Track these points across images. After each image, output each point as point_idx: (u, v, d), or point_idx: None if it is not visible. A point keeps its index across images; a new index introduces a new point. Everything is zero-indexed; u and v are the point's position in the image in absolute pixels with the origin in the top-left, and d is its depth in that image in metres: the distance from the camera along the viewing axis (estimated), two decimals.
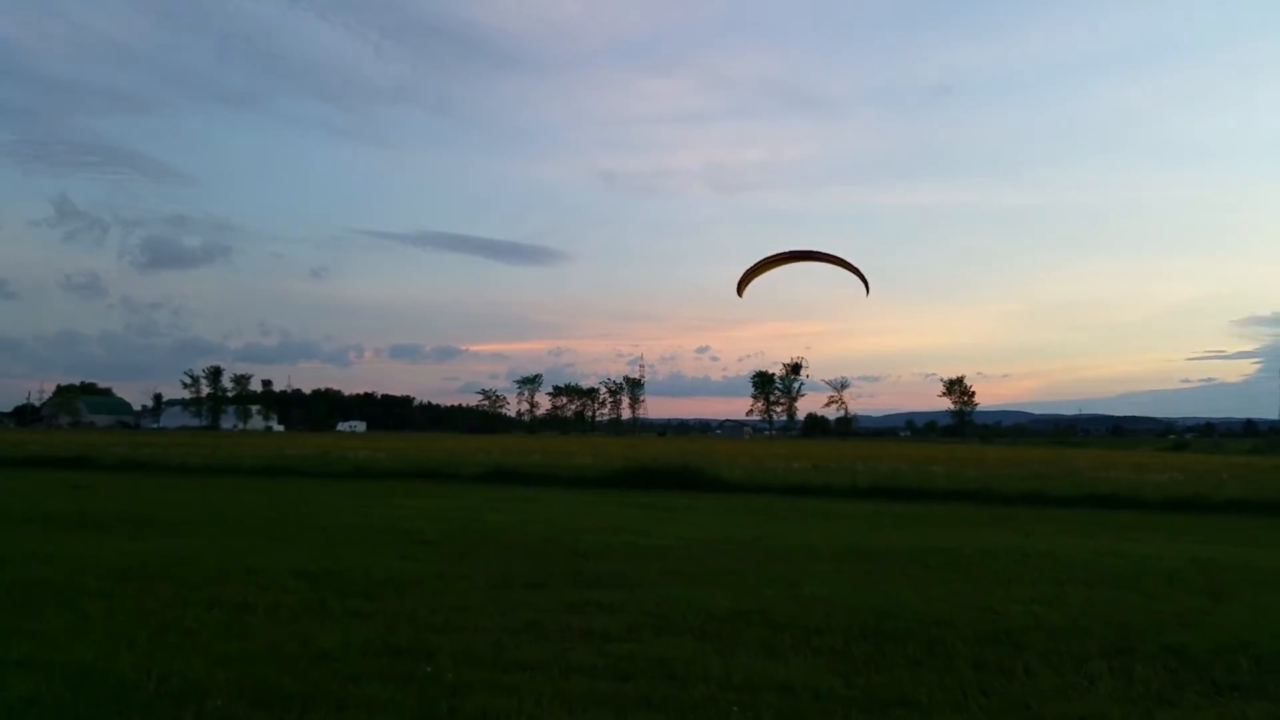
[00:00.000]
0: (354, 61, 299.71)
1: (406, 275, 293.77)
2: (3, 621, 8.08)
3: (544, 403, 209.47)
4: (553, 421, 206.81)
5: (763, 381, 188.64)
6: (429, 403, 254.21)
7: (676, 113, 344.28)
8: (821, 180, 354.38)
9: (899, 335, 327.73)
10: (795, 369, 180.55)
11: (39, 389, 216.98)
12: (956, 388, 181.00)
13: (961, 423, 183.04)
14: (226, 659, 7.01)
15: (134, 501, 20.51)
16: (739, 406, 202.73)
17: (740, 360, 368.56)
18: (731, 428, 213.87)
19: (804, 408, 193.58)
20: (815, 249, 19.39)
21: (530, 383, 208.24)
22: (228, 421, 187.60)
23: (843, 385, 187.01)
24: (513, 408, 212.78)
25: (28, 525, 15.59)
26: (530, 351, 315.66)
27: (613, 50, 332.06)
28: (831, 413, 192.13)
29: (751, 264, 19.81)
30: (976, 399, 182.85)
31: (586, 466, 32.19)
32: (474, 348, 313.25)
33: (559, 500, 22.41)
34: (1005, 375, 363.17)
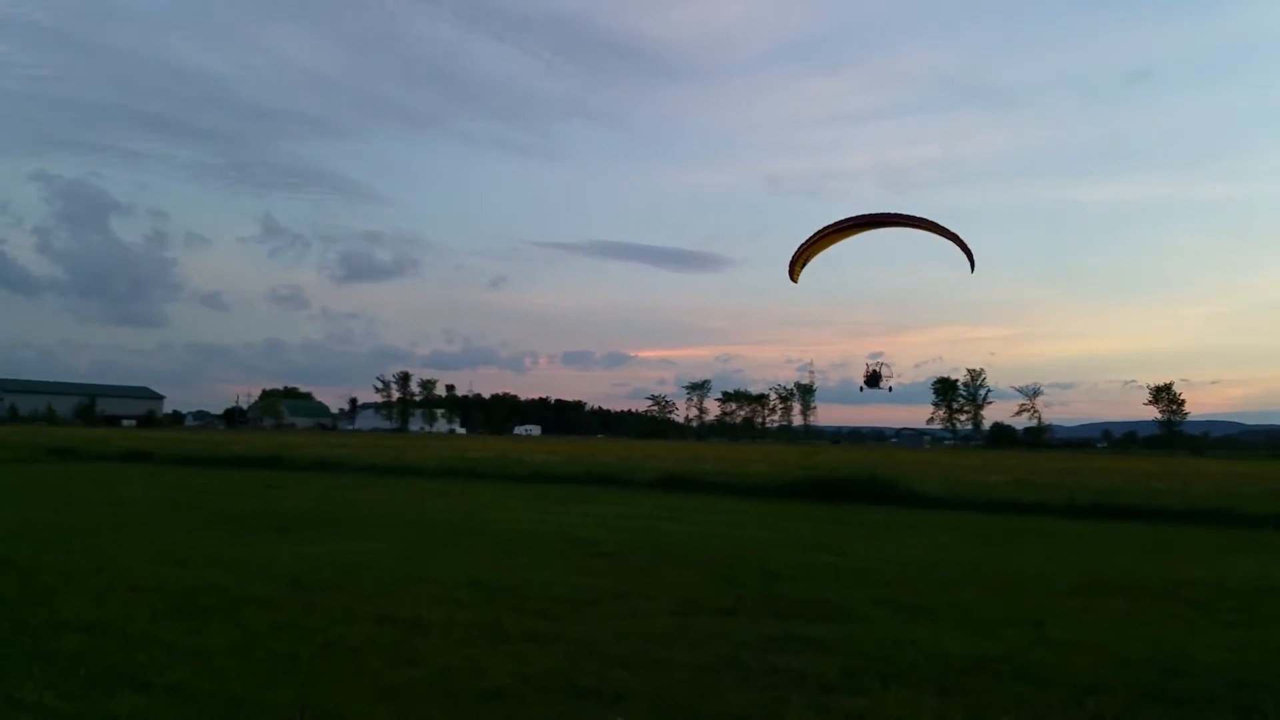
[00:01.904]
0: (527, 79, 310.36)
1: (578, 284, 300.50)
2: (168, 635, 7.61)
3: (713, 409, 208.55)
4: (721, 428, 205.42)
5: (944, 388, 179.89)
6: (599, 408, 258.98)
7: (844, 112, 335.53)
8: (1002, 175, 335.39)
9: (1092, 339, 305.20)
10: (978, 375, 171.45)
11: (246, 393, 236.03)
12: (1164, 395, 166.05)
13: (1170, 433, 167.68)
14: (391, 692, 6.15)
15: (320, 502, 20.81)
16: (915, 414, 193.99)
17: (916, 366, 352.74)
18: (910, 437, 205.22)
19: (989, 416, 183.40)
20: (891, 213, 16.81)
21: (699, 388, 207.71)
22: (415, 424, 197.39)
23: (1035, 392, 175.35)
24: (681, 413, 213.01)
25: (215, 525, 15.80)
26: (697, 357, 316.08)
27: (776, 53, 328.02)
28: (1021, 421, 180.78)
29: (809, 237, 17.36)
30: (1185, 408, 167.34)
31: (763, 475, 30.68)
32: (642, 354, 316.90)
33: (738, 511, 21.09)
34: (1214, 382, 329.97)
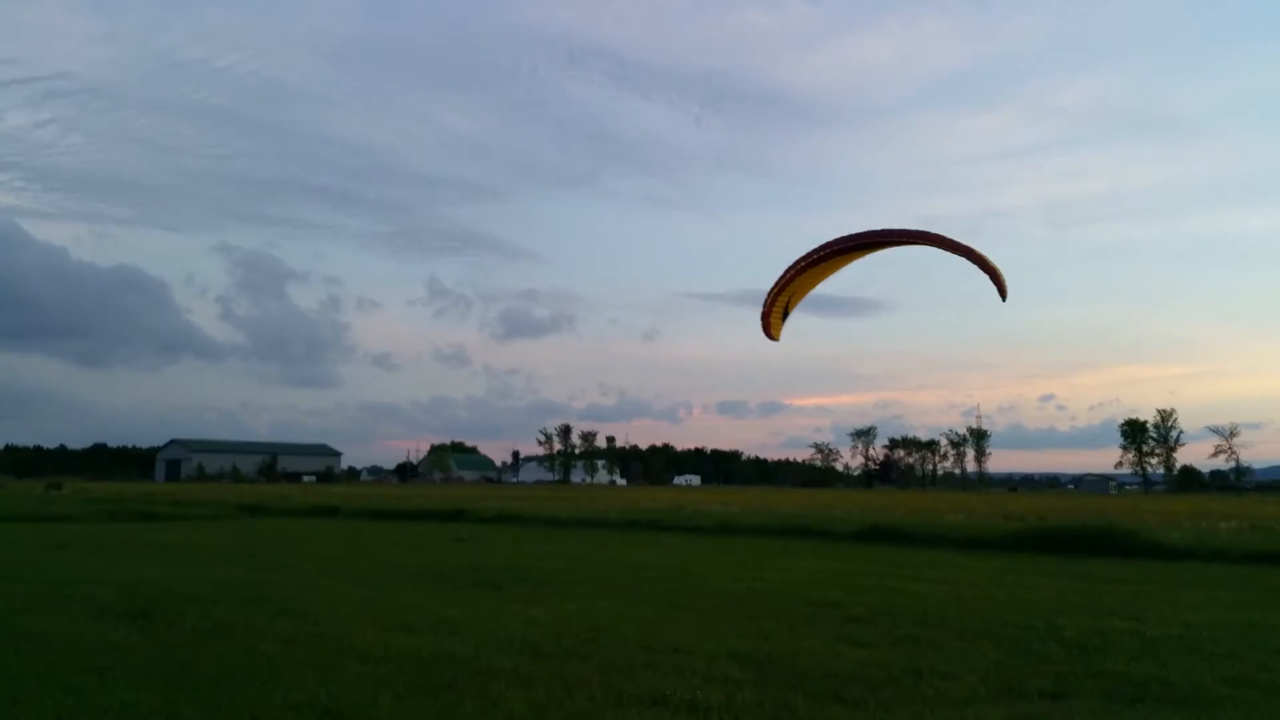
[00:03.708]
0: (675, 134, 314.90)
1: (730, 333, 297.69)
2: (414, 717, 6.59)
3: (877, 456, 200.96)
4: (884, 476, 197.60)
5: (1133, 430, 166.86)
6: (756, 457, 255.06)
7: (1002, 149, 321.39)
8: (1176, 207, 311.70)
9: (1277, 376, 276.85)
10: (1169, 415, 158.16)
11: (415, 448, 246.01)
12: None
13: None
14: None
15: (518, 556, 20.08)
16: (1091, 459, 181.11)
17: (1091, 409, 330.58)
18: (1094, 482, 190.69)
19: (1179, 459, 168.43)
20: (878, 230, 13.79)
21: (864, 435, 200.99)
22: (577, 475, 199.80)
23: (1232, 432, 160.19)
24: (843, 461, 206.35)
25: (422, 583, 15.18)
26: (854, 404, 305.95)
27: (927, 93, 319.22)
28: (1214, 464, 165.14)
29: (780, 278, 14.57)
30: None
31: (972, 526, 28.06)
32: (797, 402, 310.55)
33: (967, 567, 18.89)
34: None
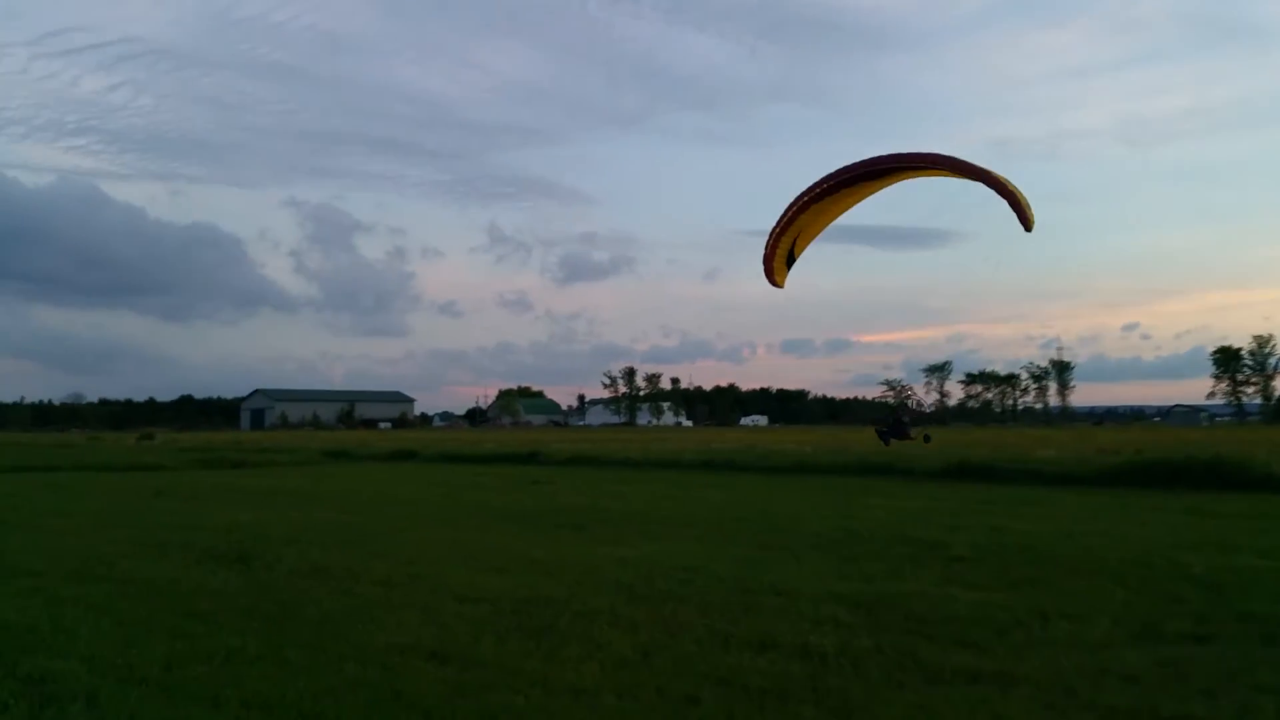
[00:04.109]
0: (729, 66, 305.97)
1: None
2: (530, 666, 6.36)
3: (954, 391, 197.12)
4: (962, 412, 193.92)
5: (1226, 359, 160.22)
6: (823, 395, 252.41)
7: (1077, 66, 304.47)
8: (1264, 121, 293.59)
9: None
10: (1267, 342, 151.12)
11: (483, 394, 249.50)
12: None
13: None
14: None
15: (597, 498, 19.95)
16: (1181, 390, 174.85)
17: (1178, 337, 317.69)
18: (1184, 414, 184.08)
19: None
20: (888, 155, 12.20)
21: (938, 371, 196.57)
22: (642, 418, 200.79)
23: None
24: (916, 398, 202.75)
25: (506, 523, 15.17)
26: (926, 339, 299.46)
27: (996, 8, 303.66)
28: None
29: (779, 219, 13.17)
30: None
31: (1069, 461, 27.06)
32: (865, 338, 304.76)
33: (1067, 504, 18.11)
34: None
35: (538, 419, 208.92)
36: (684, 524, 14.81)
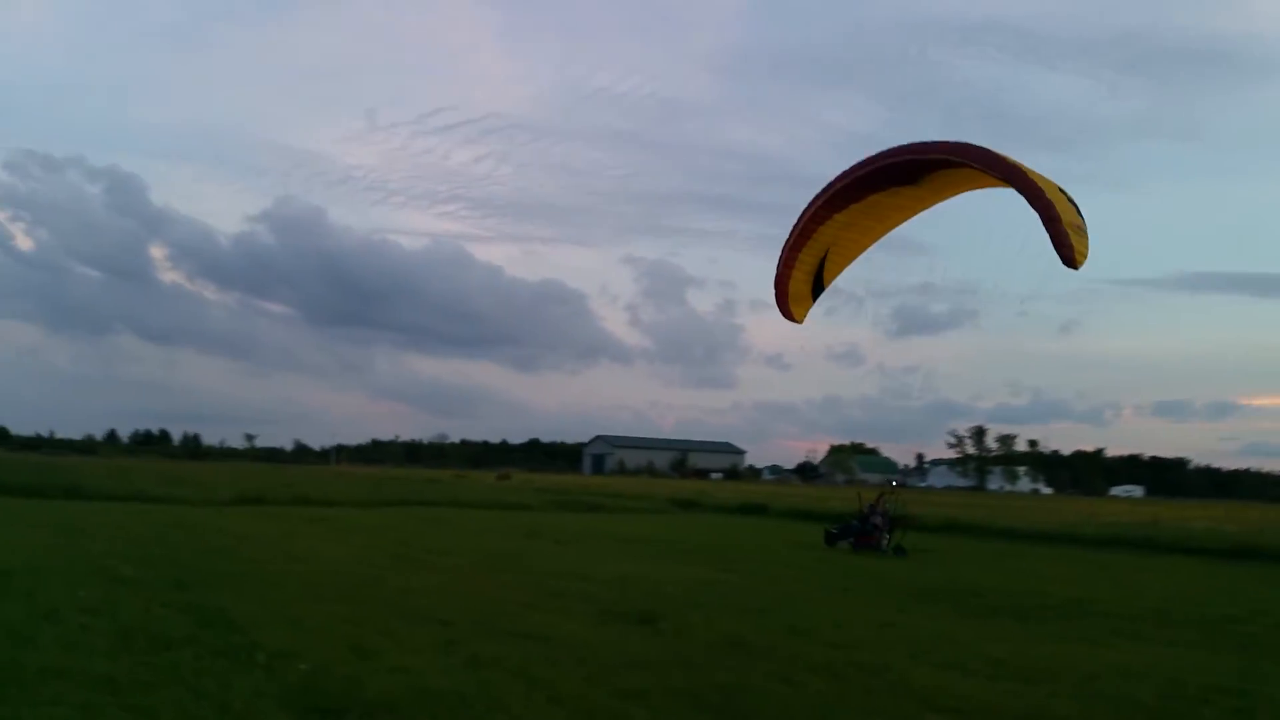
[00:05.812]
0: (1086, 105, 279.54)
1: (1165, 323, 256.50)
2: None
3: None
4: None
5: None
6: (1207, 465, 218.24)
7: None
8: None
9: None
10: None
11: (811, 448, 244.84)
12: None
13: None
14: None
15: (1004, 575, 17.21)
16: None
17: None
18: None
19: None
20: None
21: None
22: (994, 482, 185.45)
23: None
24: None
25: (921, 603, 13.04)
26: None
27: None
28: None
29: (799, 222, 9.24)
30: None
31: None
32: (1256, 402, 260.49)
33: None
34: None
35: (873, 477, 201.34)
36: (1156, 622, 11.76)
